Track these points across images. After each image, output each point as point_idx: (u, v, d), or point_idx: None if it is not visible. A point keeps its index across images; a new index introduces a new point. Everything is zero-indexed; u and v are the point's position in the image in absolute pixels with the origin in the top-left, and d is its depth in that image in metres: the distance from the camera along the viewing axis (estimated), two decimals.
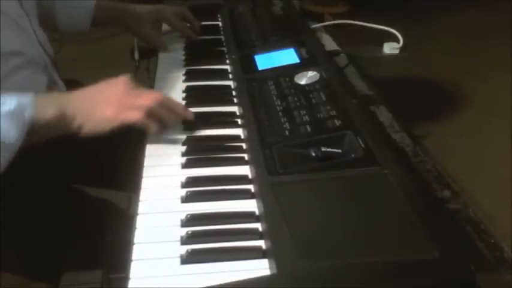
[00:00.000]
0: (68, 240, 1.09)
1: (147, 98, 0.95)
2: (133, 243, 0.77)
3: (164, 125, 0.98)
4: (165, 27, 1.50)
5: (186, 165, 0.93)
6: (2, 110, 0.86)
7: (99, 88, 0.96)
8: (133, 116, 0.93)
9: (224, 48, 1.38)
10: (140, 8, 1.40)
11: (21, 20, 1.09)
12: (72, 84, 1.30)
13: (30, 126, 0.88)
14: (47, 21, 1.23)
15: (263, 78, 1.12)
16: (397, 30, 1.49)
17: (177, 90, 1.18)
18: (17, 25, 1.08)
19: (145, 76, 1.41)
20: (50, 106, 0.91)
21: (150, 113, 0.94)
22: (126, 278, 0.72)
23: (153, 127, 0.95)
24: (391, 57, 1.47)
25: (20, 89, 1.07)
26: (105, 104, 0.93)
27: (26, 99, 0.89)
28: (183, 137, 1.00)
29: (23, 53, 1.08)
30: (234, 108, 1.10)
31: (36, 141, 0.91)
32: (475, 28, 1.67)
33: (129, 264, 0.73)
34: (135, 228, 0.80)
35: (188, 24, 1.45)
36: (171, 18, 1.42)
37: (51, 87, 1.17)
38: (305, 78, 1.07)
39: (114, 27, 1.45)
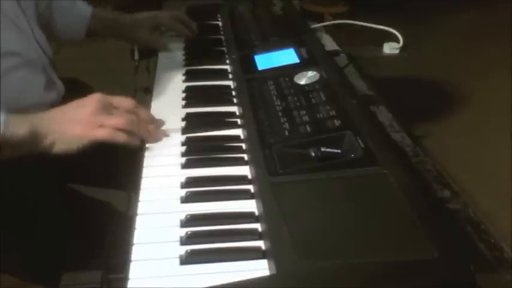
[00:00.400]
0: (68, 240, 1.09)
1: (117, 118, 0.95)
2: (133, 244, 0.77)
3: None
4: None
5: (185, 166, 0.93)
6: None
7: (71, 107, 0.97)
8: (101, 133, 0.94)
9: (224, 48, 1.38)
10: (136, 16, 1.40)
11: (18, 19, 1.09)
12: (72, 82, 1.30)
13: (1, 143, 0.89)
14: (44, 29, 1.23)
15: (263, 78, 1.12)
16: (397, 30, 1.49)
17: (176, 90, 1.18)
18: (15, 25, 1.08)
19: (145, 76, 1.41)
20: (20, 125, 0.92)
21: (120, 130, 0.95)
22: (125, 278, 0.72)
23: (124, 139, 0.95)
24: (391, 57, 1.47)
25: (17, 89, 1.07)
26: (75, 122, 0.94)
27: None
28: (183, 137, 1.00)
29: (20, 54, 1.08)
30: (234, 108, 1.10)
31: (6, 157, 0.92)
32: (475, 28, 1.67)
33: (129, 265, 0.73)
34: (135, 228, 0.80)
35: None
36: (168, 22, 1.42)
37: (49, 87, 1.17)
38: (305, 78, 1.07)
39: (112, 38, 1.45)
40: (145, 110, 1.02)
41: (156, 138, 1.00)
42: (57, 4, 1.31)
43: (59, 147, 0.94)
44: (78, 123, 0.94)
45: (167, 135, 1.01)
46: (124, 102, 0.99)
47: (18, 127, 0.91)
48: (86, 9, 1.36)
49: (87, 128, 0.93)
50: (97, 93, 0.97)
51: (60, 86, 1.22)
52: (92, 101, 0.96)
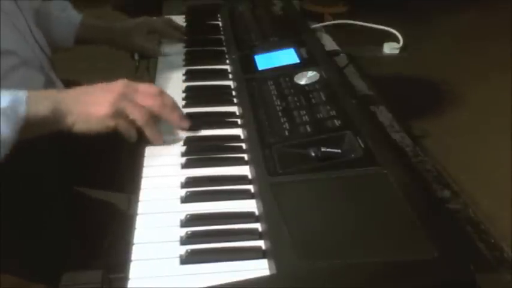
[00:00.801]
0: (68, 240, 1.09)
1: (139, 112, 0.94)
2: (133, 244, 0.77)
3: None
4: None
5: (185, 166, 0.93)
6: None
7: (96, 89, 0.96)
8: (120, 125, 0.94)
9: (224, 48, 1.38)
10: (128, 22, 1.40)
11: (16, 18, 1.09)
12: (72, 84, 1.30)
13: (23, 123, 0.88)
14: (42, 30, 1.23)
15: (263, 78, 1.12)
16: (397, 30, 1.49)
17: (177, 90, 1.18)
18: (12, 23, 1.07)
19: (146, 76, 1.41)
20: (43, 103, 0.91)
21: (144, 120, 0.95)
22: (125, 278, 0.72)
23: (134, 139, 0.95)
24: (391, 57, 1.47)
25: (16, 89, 1.07)
26: (100, 103, 0.93)
27: (20, 96, 0.89)
28: (183, 137, 1.00)
29: (17, 53, 1.08)
30: (234, 108, 1.10)
31: (29, 138, 0.91)
32: (475, 28, 1.67)
33: (129, 265, 0.73)
34: (135, 228, 0.80)
35: None
36: (160, 27, 1.43)
37: (48, 86, 1.17)
38: (305, 78, 1.07)
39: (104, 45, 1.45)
40: (170, 97, 1.01)
41: (180, 124, 1.00)
42: (45, 10, 1.31)
43: (80, 127, 0.93)
44: (101, 105, 0.93)
45: (187, 124, 1.01)
46: (149, 88, 0.98)
47: (41, 105, 0.90)
48: (75, 17, 1.36)
49: (110, 111, 0.92)
50: (122, 79, 0.97)
51: (59, 85, 1.22)
52: (117, 85, 0.95)
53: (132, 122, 0.94)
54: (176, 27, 1.46)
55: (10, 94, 0.88)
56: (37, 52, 1.15)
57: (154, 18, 1.45)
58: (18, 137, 0.88)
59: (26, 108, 0.88)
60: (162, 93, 0.99)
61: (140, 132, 0.96)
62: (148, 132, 0.96)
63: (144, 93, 0.96)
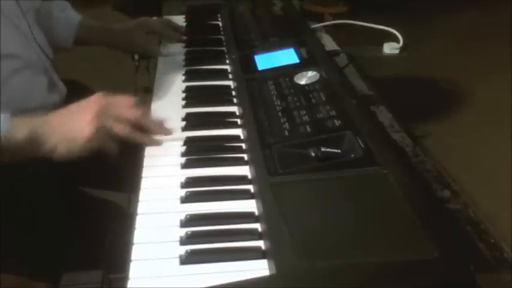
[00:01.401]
0: (68, 240, 1.09)
1: (118, 127, 0.94)
2: (133, 244, 0.77)
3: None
4: None
5: (185, 166, 0.93)
6: None
7: (72, 110, 0.96)
8: (106, 140, 0.93)
9: (224, 48, 1.38)
10: (127, 24, 1.40)
11: (18, 21, 1.09)
12: (73, 84, 1.30)
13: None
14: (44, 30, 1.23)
15: (263, 78, 1.12)
16: (397, 30, 1.49)
17: (176, 90, 1.18)
18: (14, 26, 1.07)
19: (146, 76, 1.41)
20: (22, 127, 0.91)
21: (126, 132, 0.95)
22: (125, 278, 0.72)
23: (115, 151, 0.95)
24: (391, 57, 1.47)
25: (19, 92, 1.07)
26: (77, 126, 0.93)
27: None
28: (183, 137, 1.00)
29: (20, 56, 1.07)
30: (234, 108, 1.10)
31: (5, 161, 0.91)
32: (475, 28, 1.67)
33: (129, 265, 0.73)
34: (135, 228, 0.80)
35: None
36: (159, 27, 1.42)
37: (51, 88, 1.17)
38: (305, 78, 1.07)
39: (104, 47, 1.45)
40: (146, 109, 1.01)
41: (162, 133, 1.00)
42: (45, 10, 1.31)
43: (61, 152, 0.93)
44: (80, 127, 0.92)
45: (170, 133, 1.01)
46: (126, 100, 0.98)
47: (19, 130, 0.90)
48: (75, 17, 1.36)
49: (90, 132, 0.92)
50: (98, 94, 0.96)
51: (62, 87, 1.22)
52: (93, 103, 0.95)
53: (115, 136, 0.94)
54: (175, 28, 1.46)
55: None
56: (40, 54, 1.15)
57: (154, 18, 1.45)
58: None
59: (3, 131, 0.88)
60: (137, 105, 0.99)
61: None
62: (138, 140, 0.96)
63: (121, 105, 0.96)
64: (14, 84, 1.05)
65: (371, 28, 1.53)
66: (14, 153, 0.91)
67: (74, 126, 0.93)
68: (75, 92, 1.30)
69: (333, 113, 0.96)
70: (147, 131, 0.98)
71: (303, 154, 0.86)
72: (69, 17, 1.35)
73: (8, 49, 1.04)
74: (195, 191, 0.86)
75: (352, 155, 0.86)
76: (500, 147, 1.06)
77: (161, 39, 1.43)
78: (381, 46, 1.49)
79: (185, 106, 1.12)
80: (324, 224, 0.74)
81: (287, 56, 1.19)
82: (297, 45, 1.22)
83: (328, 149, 0.86)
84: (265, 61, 1.20)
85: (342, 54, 1.34)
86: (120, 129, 0.94)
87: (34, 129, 0.91)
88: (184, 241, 0.77)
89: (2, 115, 0.90)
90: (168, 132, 1.01)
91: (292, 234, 0.71)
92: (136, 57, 1.42)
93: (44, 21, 1.29)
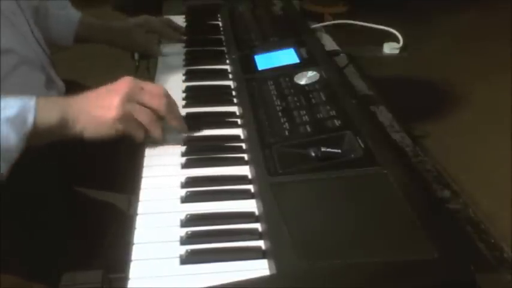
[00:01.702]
0: (68, 240, 1.09)
1: (150, 106, 0.94)
2: (133, 244, 0.77)
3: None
4: None
5: (185, 165, 0.93)
6: (2, 115, 0.86)
7: (101, 93, 0.95)
8: (135, 130, 0.93)
9: (224, 48, 1.38)
10: (127, 22, 1.40)
11: (16, 17, 1.09)
12: (72, 85, 1.30)
13: (31, 132, 0.88)
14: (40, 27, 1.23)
15: (263, 78, 1.12)
16: (397, 30, 1.49)
17: (177, 90, 1.17)
18: (11, 23, 1.07)
19: (146, 76, 1.41)
20: (52, 110, 0.90)
21: (151, 121, 0.94)
22: (125, 278, 0.72)
23: (141, 139, 0.95)
24: (391, 57, 1.47)
25: (17, 88, 1.07)
26: (105, 107, 0.92)
27: (29, 103, 0.88)
28: (183, 137, 1.00)
29: (17, 52, 1.07)
30: (234, 108, 1.10)
31: (36, 145, 0.91)
32: (475, 28, 1.67)
33: (129, 265, 0.73)
34: (135, 228, 0.80)
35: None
36: (159, 26, 1.42)
37: (49, 85, 1.17)
38: (305, 78, 1.07)
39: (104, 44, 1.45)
40: (173, 99, 1.00)
41: (182, 128, 1.00)
42: (45, 9, 1.31)
43: (90, 133, 0.92)
44: (108, 108, 0.92)
45: (185, 130, 1.01)
46: (155, 88, 0.97)
47: (50, 113, 0.89)
48: (74, 15, 1.36)
49: (118, 117, 0.91)
50: (128, 77, 0.96)
51: (60, 84, 1.22)
52: (124, 86, 0.94)
53: (140, 123, 0.94)
54: (176, 27, 1.46)
55: (19, 101, 0.88)
56: (37, 51, 1.14)
57: (154, 18, 1.45)
58: (26, 145, 0.88)
59: (34, 116, 0.88)
60: (167, 94, 0.98)
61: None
62: (153, 133, 0.95)
63: (150, 93, 0.95)
64: (11, 81, 1.05)
65: (371, 28, 1.53)
66: (44, 136, 0.90)
67: (101, 107, 0.92)
68: (75, 92, 1.30)
69: (333, 113, 0.96)
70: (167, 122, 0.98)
71: (303, 154, 0.86)
72: (69, 15, 1.36)
73: (5, 45, 1.04)
74: (195, 190, 0.86)
75: (352, 155, 0.86)
76: (500, 147, 1.06)
77: (161, 38, 1.43)
78: (381, 46, 1.49)
79: (185, 106, 1.12)
80: (324, 224, 0.74)
81: (287, 56, 1.19)
82: (297, 45, 1.22)
83: (328, 149, 0.86)
84: (265, 61, 1.20)
85: (342, 54, 1.34)
86: (144, 116, 0.93)
87: (64, 112, 0.91)
88: (184, 241, 0.77)
89: (30, 100, 0.89)
90: (184, 129, 1.00)
91: (292, 234, 0.71)
92: (136, 57, 1.42)
93: (43, 19, 1.30)
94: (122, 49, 1.42)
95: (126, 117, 0.92)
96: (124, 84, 0.94)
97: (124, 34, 1.38)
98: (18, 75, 1.07)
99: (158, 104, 0.95)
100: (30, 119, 0.87)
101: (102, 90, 0.96)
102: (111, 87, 0.95)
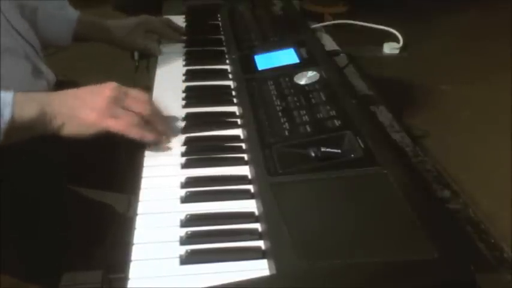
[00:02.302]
0: (68, 240, 1.09)
1: (131, 115, 0.93)
2: (133, 244, 0.77)
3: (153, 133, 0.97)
4: None
5: (185, 166, 0.93)
6: None
7: (85, 92, 0.95)
8: (115, 125, 0.92)
9: (224, 48, 1.38)
10: (127, 21, 1.40)
11: None
12: (72, 85, 1.30)
13: (9, 126, 0.87)
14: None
15: (263, 78, 1.12)
16: (397, 30, 1.49)
17: (176, 90, 1.18)
18: None
19: (145, 76, 1.41)
20: (30, 105, 0.89)
21: (135, 124, 0.94)
22: (125, 278, 0.72)
23: (139, 135, 0.94)
24: (391, 57, 1.47)
25: (2, 77, 1.06)
26: (89, 107, 0.92)
27: (6, 97, 0.87)
28: (183, 137, 1.00)
29: None
30: (234, 108, 1.10)
31: (14, 141, 0.90)
32: (475, 28, 1.67)
33: (129, 265, 0.73)
34: (135, 228, 0.80)
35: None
36: (159, 26, 1.42)
37: (36, 75, 1.16)
38: (305, 78, 1.07)
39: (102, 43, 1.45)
40: (157, 106, 1.00)
41: (168, 132, 0.99)
42: (43, 9, 1.30)
43: (69, 130, 0.92)
44: (91, 109, 0.91)
45: (171, 135, 1.00)
46: (139, 94, 0.97)
47: (28, 107, 0.89)
48: (72, 14, 1.36)
49: (101, 116, 0.91)
50: (112, 83, 0.95)
51: (49, 74, 1.21)
52: (108, 89, 0.94)
53: (125, 125, 0.93)
54: (175, 28, 1.46)
55: None
56: (18, 39, 1.13)
57: (154, 18, 1.45)
58: (3, 141, 0.87)
59: (11, 110, 0.87)
60: (151, 101, 0.98)
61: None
62: (141, 137, 0.94)
63: (134, 98, 0.95)
64: None
65: (371, 28, 1.53)
66: (22, 132, 0.89)
67: (83, 108, 0.91)
68: None
69: (333, 113, 0.96)
70: (153, 129, 0.97)
71: (303, 154, 0.86)
72: (67, 15, 1.35)
73: None
74: (195, 191, 0.86)
75: (352, 155, 0.86)
76: (500, 147, 1.06)
77: (161, 38, 1.43)
78: (381, 46, 1.49)
79: (185, 106, 1.12)
80: (324, 224, 0.74)
81: (287, 56, 1.19)
82: (297, 45, 1.22)
83: (328, 149, 0.86)
84: (265, 61, 1.20)
85: (342, 54, 1.33)
86: (129, 119, 0.93)
87: (43, 106, 0.90)
88: (184, 241, 0.77)
89: (8, 94, 0.88)
90: (170, 133, 1.00)
91: (292, 234, 0.71)
92: (136, 56, 1.42)
93: (41, 20, 1.29)
94: (121, 48, 1.42)
95: (108, 119, 0.91)
96: (109, 87, 0.94)
97: (123, 33, 1.38)
98: (1, 64, 1.06)
99: (142, 108, 0.95)
100: (7, 113, 0.86)
101: (86, 90, 0.95)
102: (95, 88, 0.95)
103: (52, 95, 0.94)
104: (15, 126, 0.88)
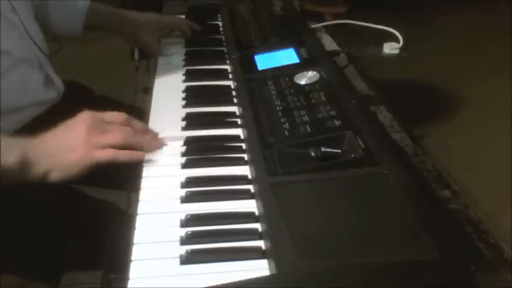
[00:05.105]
0: (68, 240, 1.09)
1: (113, 135, 0.90)
2: (133, 244, 0.77)
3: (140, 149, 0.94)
4: None
5: (185, 165, 0.93)
6: None
7: (62, 131, 0.91)
8: (102, 155, 0.89)
9: (224, 48, 1.38)
10: (140, 16, 1.40)
11: (10, 15, 1.08)
12: (72, 85, 1.30)
13: None
14: (41, 24, 1.23)
15: (263, 78, 1.12)
16: (397, 30, 1.49)
17: (177, 90, 1.18)
18: (7, 21, 1.06)
19: (145, 76, 1.41)
20: (11, 151, 0.85)
21: (120, 147, 0.91)
22: (125, 278, 0.72)
23: (127, 157, 0.91)
24: (391, 57, 1.47)
25: (14, 88, 1.06)
26: (70, 147, 0.88)
27: None
28: (183, 137, 1.00)
29: (12, 53, 1.06)
30: (234, 108, 1.10)
31: None
32: (475, 28, 1.67)
33: (129, 265, 0.73)
34: (135, 228, 0.80)
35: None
36: (174, 22, 1.43)
37: (47, 85, 1.17)
38: (305, 78, 1.08)
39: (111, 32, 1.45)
40: (138, 121, 0.97)
41: (156, 147, 0.96)
42: (53, 1, 1.31)
43: (56, 175, 0.88)
44: (73, 148, 0.88)
45: (165, 144, 0.98)
46: (116, 116, 0.94)
47: (9, 154, 0.85)
48: (82, 4, 1.36)
49: (85, 151, 0.88)
50: (86, 112, 0.92)
51: (59, 83, 1.22)
52: (83, 120, 0.90)
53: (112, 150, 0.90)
54: (189, 24, 1.46)
55: None
56: (34, 49, 1.14)
57: (170, 16, 1.46)
58: None
59: None
60: (129, 119, 0.95)
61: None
62: (129, 158, 0.91)
63: (111, 123, 0.93)
64: (9, 81, 1.04)
65: (371, 28, 1.53)
66: (3, 178, 0.85)
67: (63, 150, 0.88)
68: (75, 92, 1.30)
69: (333, 113, 0.96)
70: (140, 146, 0.94)
71: (303, 154, 0.86)
72: (77, 4, 1.35)
73: (2, 45, 1.03)
74: (195, 190, 0.86)
75: (352, 155, 0.86)
76: (500, 147, 1.06)
77: (176, 30, 1.44)
78: (381, 46, 1.49)
79: (185, 106, 1.12)
80: (324, 223, 0.74)
81: (287, 56, 1.19)
82: (297, 45, 1.22)
83: (328, 149, 0.86)
84: (265, 61, 1.20)
85: (342, 54, 1.34)
86: (113, 146, 0.90)
87: (24, 154, 0.86)
88: (184, 241, 0.77)
89: None
90: (161, 144, 0.97)
91: (293, 234, 0.71)
92: (136, 57, 1.42)
93: (52, 10, 1.29)
94: (126, 40, 1.41)
95: (93, 152, 0.88)
96: (82, 119, 0.91)
97: (133, 27, 1.37)
98: (15, 74, 1.07)
99: (121, 133, 0.91)
100: None
101: (61, 129, 0.91)
102: (70, 125, 0.91)
103: (33, 141, 0.90)
104: None
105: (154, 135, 0.99)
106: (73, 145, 0.88)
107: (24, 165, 0.86)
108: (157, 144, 0.97)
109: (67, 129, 0.91)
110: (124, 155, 0.90)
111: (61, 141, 0.89)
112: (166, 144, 0.98)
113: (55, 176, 0.88)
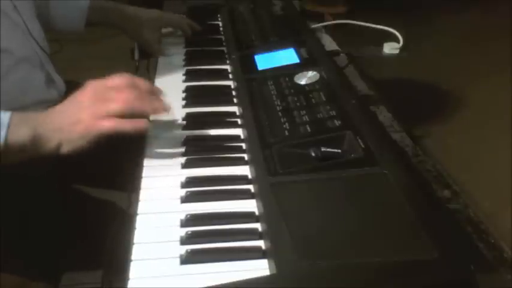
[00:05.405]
0: (68, 240, 1.09)
1: (117, 103, 0.90)
2: (133, 243, 0.77)
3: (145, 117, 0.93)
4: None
5: (186, 165, 0.93)
6: None
7: (68, 104, 0.92)
8: (106, 125, 0.89)
9: (224, 48, 1.38)
10: (142, 13, 1.39)
11: (12, 14, 1.08)
12: (72, 85, 1.30)
13: (2, 149, 0.85)
14: (41, 21, 1.23)
15: (263, 78, 1.12)
16: (397, 30, 1.49)
17: (177, 90, 1.18)
18: (8, 20, 1.06)
19: (146, 76, 1.41)
20: (24, 128, 0.87)
21: (126, 114, 0.90)
22: (125, 278, 0.72)
23: (132, 126, 0.90)
24: (391, 57, 1.47)
25: (16, 87, 1.06)
26: (74, 119, 0.89)
27: (5, 118, 0.85)
28: (183, 137, 1.00)
29: (13, 52, 1.06)
30: (234, 108, 1.10)
31: (8, 164, 0.87)
32: (475, 28, 1.67)
33: (129, 265, 0.73)
34: (135, 228, 0.80)
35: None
36: (176, 19, 1.43)
37: (48, 84, 1.17)
38: (305, 78, 1.08)
39: (114, 28, 1.45)
40: (143, 81, 0.96)
41: (160, 110, 0.95)
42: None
43: (66, 148, 0.90)
44: (78, 120, 0.89)
45: (170, 107, 0.97)
46: (119, 80, 0.93)
47: (22, 130, 0.87)
48: (83, 1, 1.36)
49: (89, 122, 0.89)
50: (89, 82, 0.92)
51: (60, 82, 1.22)
52: (87, 91, 0.91)
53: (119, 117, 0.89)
54: (190, 23, 1.46)
55: None
56: (36, 49, 1.14)
57: (169, 13, 1.46)
58: None
59: (6, 133, 0.85)
60: (134, 81, 0.93)
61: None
62: (133, 127, 0.90)
63: (116, 88, 0.91)
64: (10, 80, 1.04)
65: (371, 28, 1.53)
66: (16, 155, 0.88)
67: (72, 119, 0.89)
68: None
69: (333, 113, 0.96)
70: (145, 111, 0.93)
71: (303, 154, 0.86)
72: (78, 2, 1.35)
73: (3, 44, 1.03)
74: (195, 190, 0.86)
75: (352, 155, 0.86)
76: (500, 147, 1.06)
77: (177, 28, 1.44)
78: (381, 46, 1.49)
79: (185, 106, 1.12)
80: (324, 223, 0.74)
81: (287, 56, 1.19)
82: (297, 45, 1.22)
83: (328, 149, 0.86)
84: (265, 61, 1.20)
85: (342, 54, 1.34)
86: (117, 115, 0.89)
87: (36, 129, 0.88)
88: (184, 241, 0.77)
89: (3, 114, 0.86)
90: (166, 107, 0.95)
91: (293, 234, 0.71)
92: (136, 57, 1.42)
93: (53, 8, 1.29)
94: (128, 36, 1.41)
95: (97, 122, 0.88)
96: (85, 90, 0.91)
97: (135, 24, 1.37)
98: (17, 74, 1.07)
99: (127, 96, 0.90)
100: (2, 135, 0.84)
101: (67, 103, 0.92)
102: (74, 97, 0.92)
103: (42, 116, 0.92)
104: (8, 150, 0.85)
105: (159, 96, 0.97)
106: (78, 117, 0.90)
107: (36, 140, 0.88)
108: (162, 107, 0.95)
109: (72, 101, 0.92)
110: (128, 124, 0.90)
111: (67, 114, 0.91)
112: (170, 108, 0.97)
113: (65, 148, 0.90)
